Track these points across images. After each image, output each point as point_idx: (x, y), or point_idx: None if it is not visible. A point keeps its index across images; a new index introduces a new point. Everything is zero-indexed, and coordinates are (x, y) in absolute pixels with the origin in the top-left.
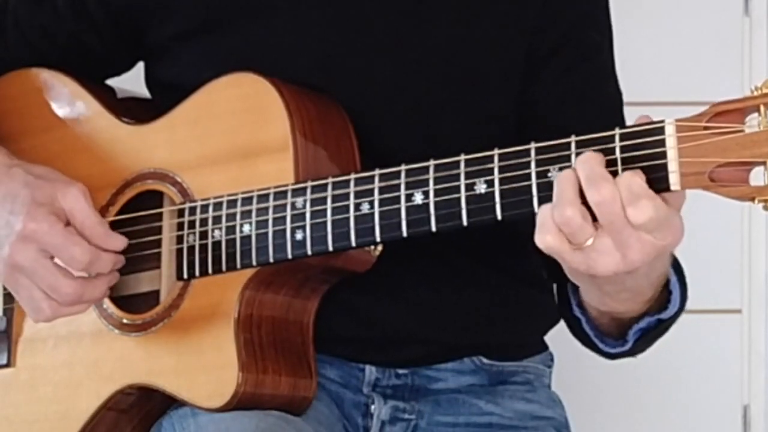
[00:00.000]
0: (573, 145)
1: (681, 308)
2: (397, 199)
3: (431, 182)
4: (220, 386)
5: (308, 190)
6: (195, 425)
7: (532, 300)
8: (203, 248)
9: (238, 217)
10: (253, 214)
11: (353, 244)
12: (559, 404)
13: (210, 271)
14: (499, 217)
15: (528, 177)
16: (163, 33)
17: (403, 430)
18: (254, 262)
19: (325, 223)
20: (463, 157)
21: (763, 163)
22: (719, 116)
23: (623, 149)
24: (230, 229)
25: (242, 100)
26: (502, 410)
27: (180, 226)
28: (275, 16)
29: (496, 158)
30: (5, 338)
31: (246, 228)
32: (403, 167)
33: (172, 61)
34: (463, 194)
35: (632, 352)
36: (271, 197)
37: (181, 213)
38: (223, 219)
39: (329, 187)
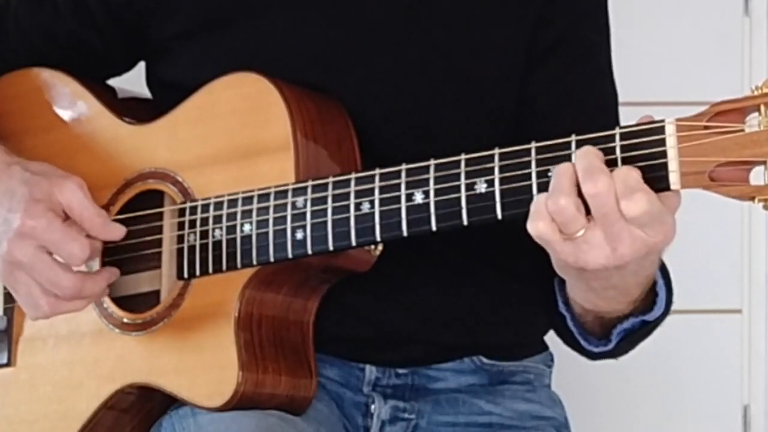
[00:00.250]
0: (573, 145)
1: (666, 312)
2: (397, 199)
3: (431, 182)
4: (220, 385)
5: (309, 190)
6: (195, 425)
7: (532, 300)
8: (204, 248)
9: (238, 216)
10: (254, 213)
11: (353, 243)
12: (559, 404)
13: (210, 270)
14: (500, 216)
15: (528, 177)
16: (164, 32)
17: (404, 430)
18: (255, 262)
19: (325, 222)
20: (463, 157)
21: (763, 163)
22: (719, 116)
23: (623, 148)
24: (231, 229)
25: (243, 99)
26: (502, 410)
27: (181, 226)
28: (276, 16)
29: (496, 158)
30: (5, 337)
31: (246, 227)
32: (403, 167)
33: (173, 61)
34: (463, 194)
35: (615, 353)
36: (272, 197)
37: (181, 212)
38: (224, 218)
39: (330, 187)
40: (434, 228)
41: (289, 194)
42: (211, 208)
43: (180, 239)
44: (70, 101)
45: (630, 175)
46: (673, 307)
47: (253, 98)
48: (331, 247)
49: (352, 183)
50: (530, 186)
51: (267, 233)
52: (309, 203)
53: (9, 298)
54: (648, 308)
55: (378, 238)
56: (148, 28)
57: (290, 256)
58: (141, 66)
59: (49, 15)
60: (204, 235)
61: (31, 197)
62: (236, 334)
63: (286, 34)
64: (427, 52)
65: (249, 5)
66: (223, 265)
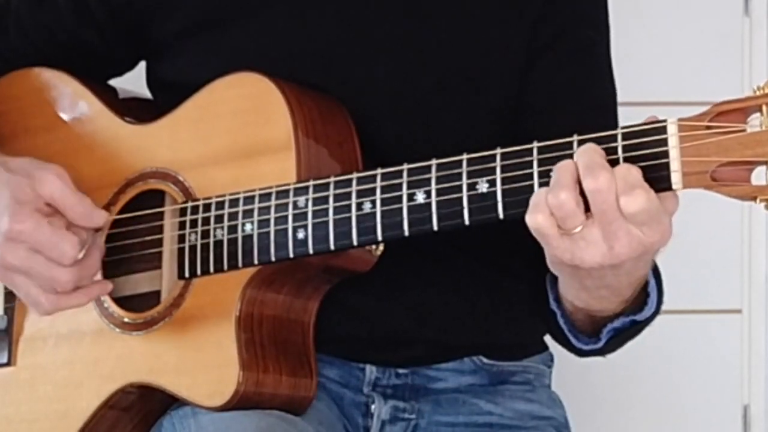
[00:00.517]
0: (575, 145)
1: (656, 312)
2: (399, 199)
3: (433, 181)
4: (220, 385)
5: (310, 189)
6: (195, 425)
7: (536, 299)
8: (205, 247)
9: (240, 216)
10: (255, 213)
11: (355, 243)
12: (559, 404)
13: (211, 270)
14: (501, 216)
15: (530, 176)
16: (165, 31)
17: (403, 430)
18: (256, 261)
19: (327, 222)
20: (465, 157)
21: (765, 163)
22: (721, 116)
23: (625, 148)
24: (232, 228)
25: (245, 99)
26: (502, 410)
27: (182, 225)
28: (277, 14)
29: (498, 157)
30: (6, 337)
31: (248, 227)
32: (405, 166)
33: (174, 60)
34: (465, 193)
35: (603, 351)
36: (273, 196)
37: (183, 212)
38: (225, 218)
39: (331, 186)
40: (436, 228)
41: (291, 194)
42: (213, 207)
43: (181, 239)
44: (71, 101)
45: (630, 172)
46: (673, 307)
47: (255, 98)
48: (332, 247)
49: (354, 183)
50: (532, 186)
51: (268, 233)
52: (310, 203)
53: (9, 297)
54: (639, 308)
55: (379, 238)
56: (148, 27)
57: (291, 255)
58: (141, 66)
59: (50, 14)
60: (205, 234)
61: (14, 200)
62: (237, 334)
63: (286, 33)
64: (427, 50)
65: (249, 4)
66: (224, 264)
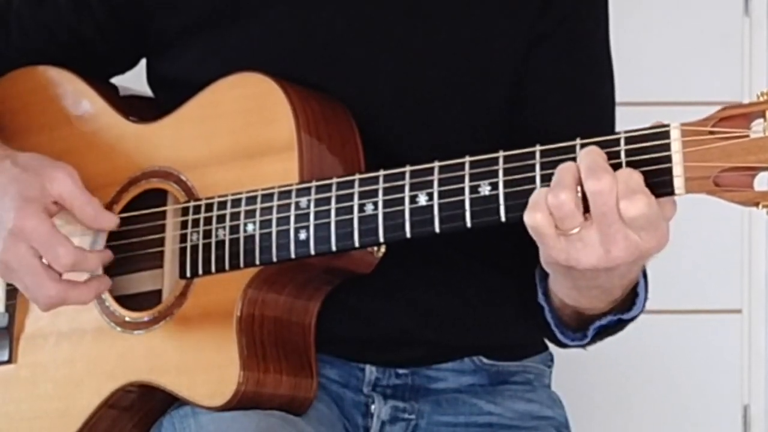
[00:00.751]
0: (578, 148)
1: (641, 310)
2: (401, 200)
3: (435, 183)
4: (221, 385)
5: (312, 190)
6: (195, 425)
7: (532, 301)
8: (207, 247)
9: (242, 216)
10: (257, 213)
11: (357, 244)
12: (559, 404)
13: (213, 269)
14: (503, 218)
15: (533, 180)
16: (166, 28)
17: (403, 430)
18: (257, 261)
19: (328, 223)
20: (467, 159)
21: None
22: (724, 121)
23: (628, 152)
24: (234, 228)
25: (248, 99)
26: (502, 410)
27: (184, 225)
28: (278, 12)
29: (500, 160)
30: (7, 335)
31: (250, 227)
32: (407, 168)
33: (175, 57)
34: (467, 196)
35: (586, 345)
36: (276, 197)
37: (185, 211)
38: (227, 218)
39: (333, 188)
40: (438, 230)
41: (293, 194)
42: (215, 207)
43: (183, 238)
44: (75, 99)
45: (632, 177)
46: (673, 307)
47: (258, 98)
48: (334, 248)
49: (356, 184)
50: (534, 189)
51: (270, 233)
52: (312, 204)
53: (11, 294)
54: (627, 308)
55: (381, 239)
56: (149, 24)
57: (293, 256)
58: (141, 64)
59: (51, 13)
60: (207, 234)
61: (21, 196)
62: (238, 334)
63: (288, 31)
64: (429, 46)
65: (251, 2)
66: (225, 264)
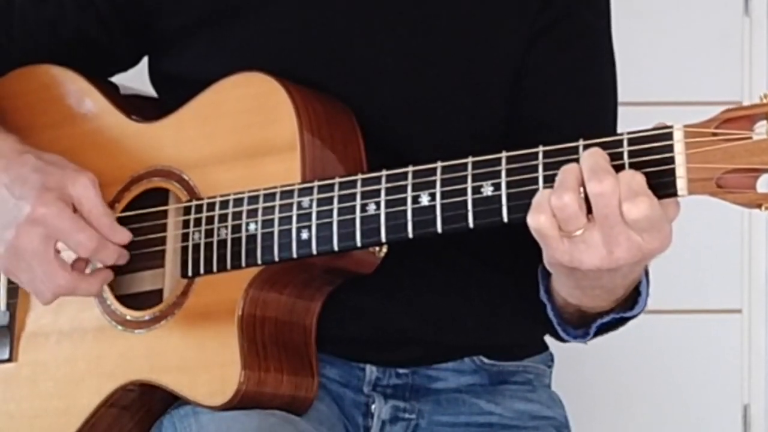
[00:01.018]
0: (581, 149)
1: (643, 308)
2: (403, 200)
3: (438, 184)
4: (222, 384)
5: (315, 190)
6: (196, 424)
7: (533, 300)
8: (208, 246)
9: (244, 215)
10: (259, 213)
11: (359, 244)
12: (559, 404)
13: (215, 269)
14: (506, 219)
15: (535, 180)
16: (169, 25)
17: (404, 430)
18: (259, 261)
19: (331, 223)
20: (470, 159)
21: None
22: (727, 123)
23: (631, 154)
24: (236, 228)
25: (251, 99)
26: (503, 410)
27: (185, 224)
28: (281, 9)
29: (503, 161)
30: (8, 333)
31: (252, 227)
32: (410, 168)
33: (178, 54)
34: (469, 196)
35: (586, 341)
36: (278, 196)
37: (186, 211)
38: (229, 217)
39: (336, 187)
40: (440, 230)
41: (295, 194)
42: (217, 206)
43: (185, 237)
44: (78, 98)
45: (635, 178)
46: (673, 307)
47: (261, 98)
48: (336, 248)
49: (359, 184)
50: (537, 190)
51: (272, 233)
52: (315, 203)
53: (12, 293)
54: (629, 306)
55: (383, 239)
56: (152, 21)
57: (295, 256)
58: (143, 64)
59: (54, 10)
60: (209, 233)
61: (42, 185)
62: (239, 333)
63: (291, 28)
64: (431, 45)
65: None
66: (227, 264)
